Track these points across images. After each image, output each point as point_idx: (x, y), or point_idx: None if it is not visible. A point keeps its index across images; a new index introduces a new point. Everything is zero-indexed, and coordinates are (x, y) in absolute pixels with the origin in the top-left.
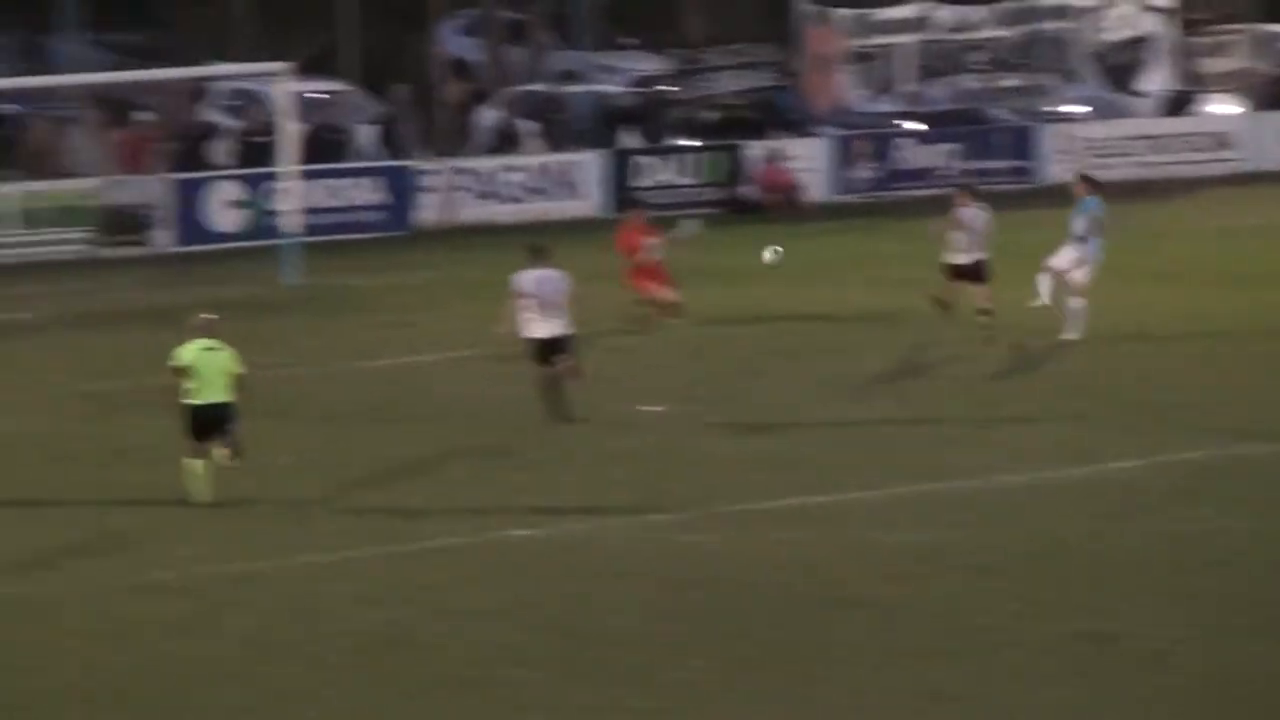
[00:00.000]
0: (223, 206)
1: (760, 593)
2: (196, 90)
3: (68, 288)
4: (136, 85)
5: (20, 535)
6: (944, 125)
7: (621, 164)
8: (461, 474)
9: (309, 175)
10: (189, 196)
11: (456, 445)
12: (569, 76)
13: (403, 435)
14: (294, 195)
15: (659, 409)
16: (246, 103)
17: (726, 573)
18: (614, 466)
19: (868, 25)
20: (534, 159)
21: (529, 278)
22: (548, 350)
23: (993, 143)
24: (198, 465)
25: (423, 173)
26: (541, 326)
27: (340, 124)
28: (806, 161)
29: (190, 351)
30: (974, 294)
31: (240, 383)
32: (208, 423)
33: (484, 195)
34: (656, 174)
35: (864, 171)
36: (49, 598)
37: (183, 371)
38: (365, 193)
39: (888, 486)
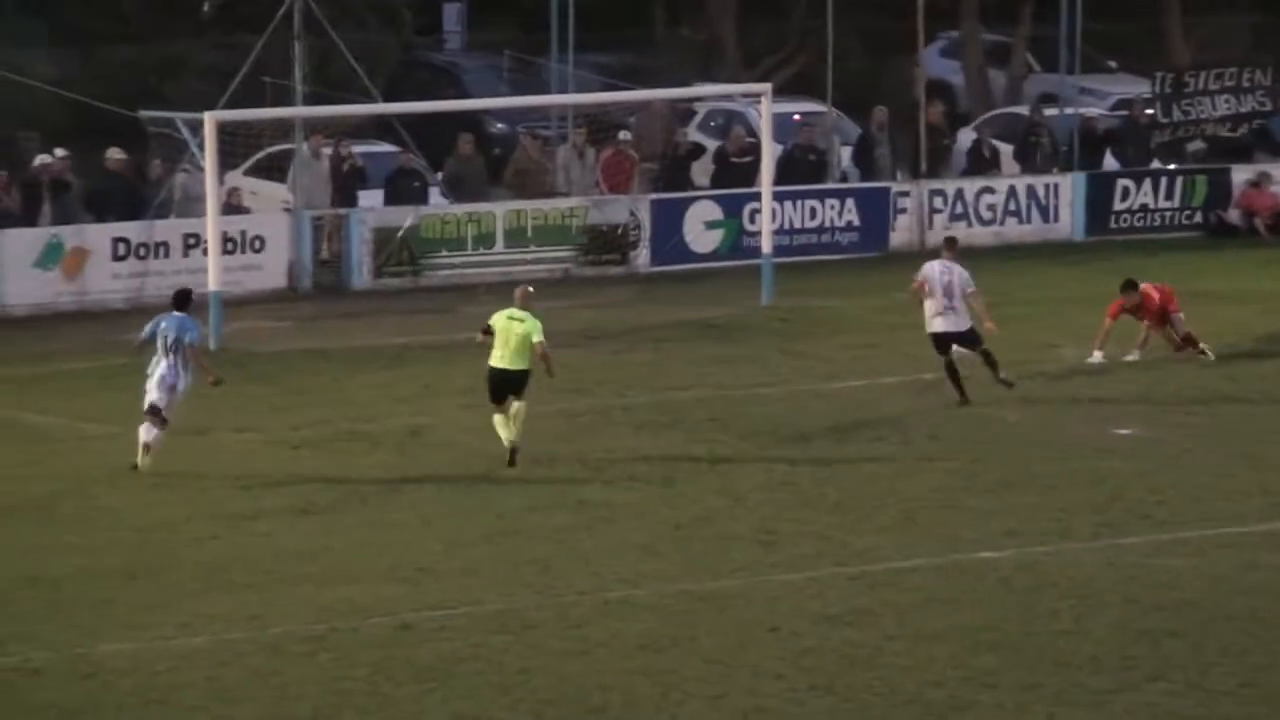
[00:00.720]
0: (702, 226)
1: (1230, 619)
2: (680, 111)
3: (547, 305)
4: (622, 105)
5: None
6: None
7: (1102, 187)
8: (924, 495)
9: (787, 196)
10: (669, 216)
11: (917, 467)
12: (1049, 99)
13: (872, 455)
14: (772, 216)
15: (1127, 432)
16: (728, 123)
17: (1195, 597)
18: (1081, 489)
19: None
20: (1009, 180)
21: (933, 266)
22: (944, 342)
23: None
24: (498, 418)
25: (899, 194)
26: (939, 320)
27: (819, 145)
28: None
29: (500, 318)
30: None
31: (539, 353)
32: (502, 384)
33: (958, 217)
34: (1137, 197)
35: None
36: (524, 614)
37: (490, 334)
38: (841, 213)
39: None
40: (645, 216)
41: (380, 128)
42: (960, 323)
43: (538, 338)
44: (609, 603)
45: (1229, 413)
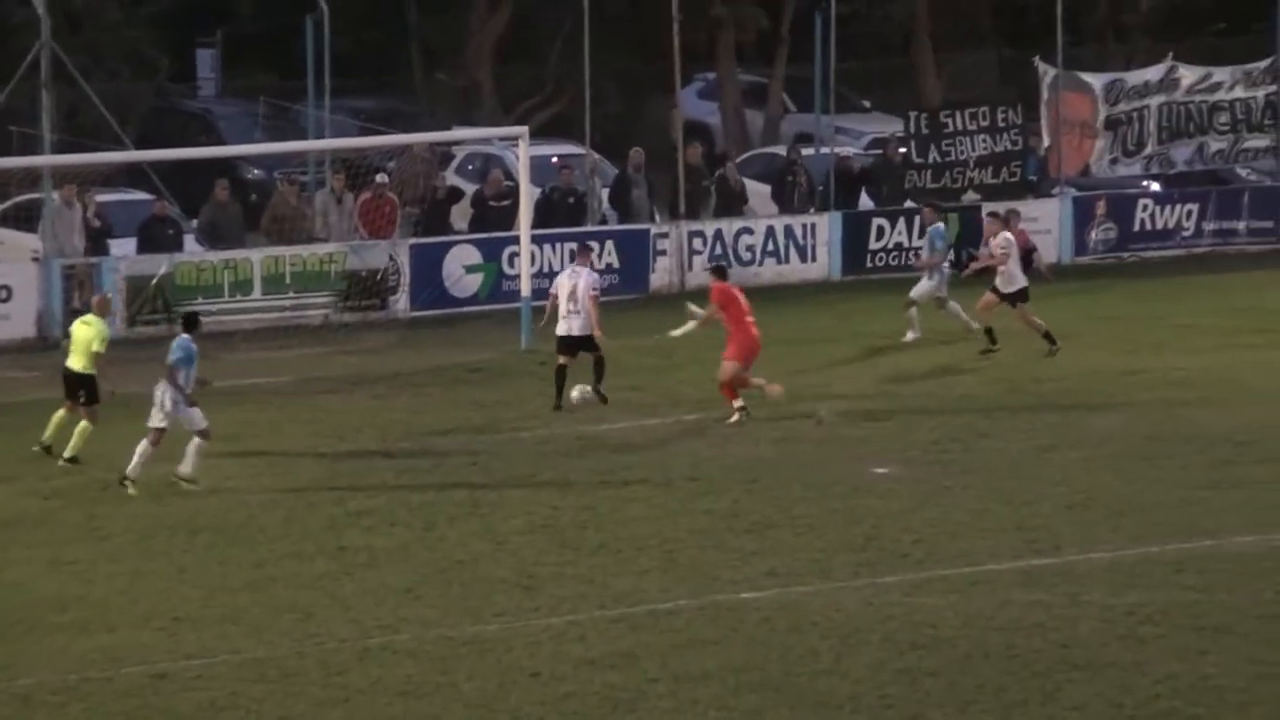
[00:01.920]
0: (461, 271)
1: (987, 656)
2: (438, 155)
3: (307, 352)
4: (380, 149)
5: (258, 597)
6: (1186, 186)
7: (857, 226)
8: (686, 536)
9: (546, 239)
10: (429, 260)
11: (679, 508)
12: (806, 139)
13: (634, 497)
14: (531, 259)
15: (884, 470)
16: (486, 166)
17: (952, 635)
18: (840, 529)
19: (1117, 90)
20: (767, 221)
21: (562, 274)
22: (568, 346)
23: (1237, 204)
24: (57, 415)
25: (658, 235)
26: (563, 324)
27: (578, 187)
28: (1045, 223)
29: (76, 322)
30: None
31: (96, 360)
32: (70, 384)
33: (715, 258)
34: (891, 236)
35: (1103, 233)
36: (284, 662)
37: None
38: (600, 256)
39: (1118, 548)
40: (405, 261)
41: (133, 175)
42: (584, 327)
43: (97, 346)
44: (370, 649)
45: (983, 449)
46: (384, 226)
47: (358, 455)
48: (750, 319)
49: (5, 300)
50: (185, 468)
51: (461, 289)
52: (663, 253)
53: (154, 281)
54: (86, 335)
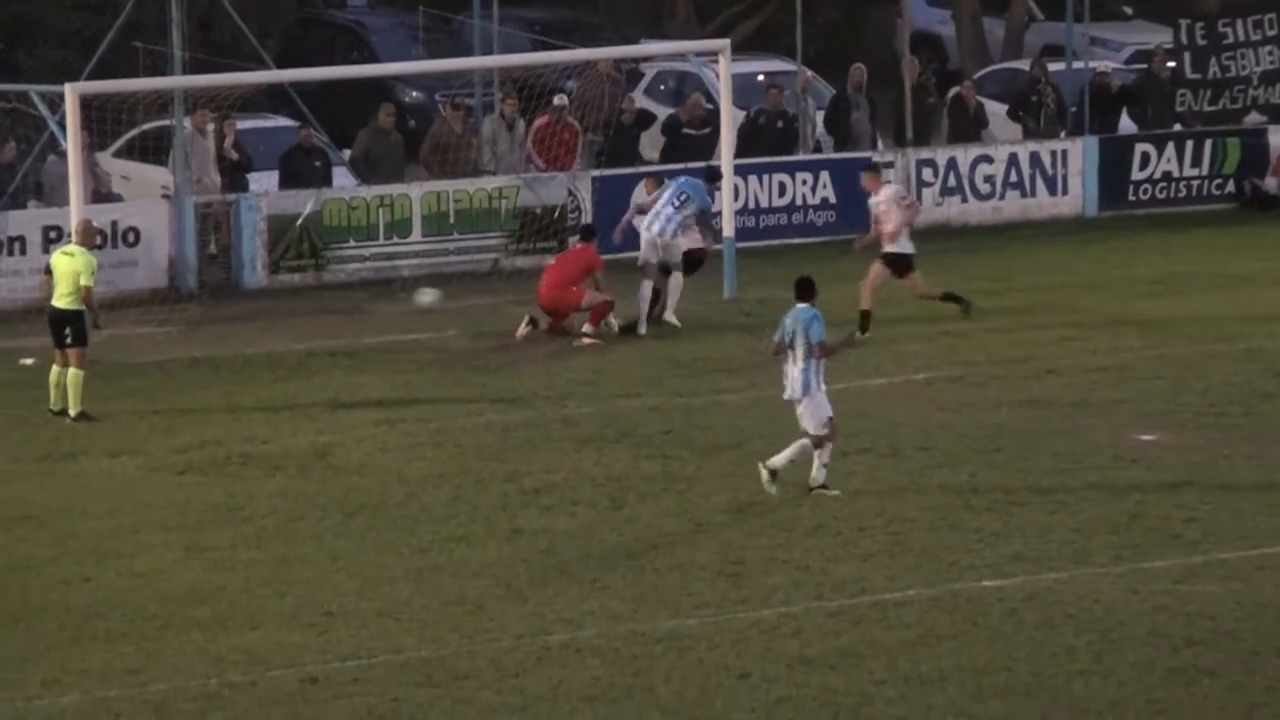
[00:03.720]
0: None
1: (1278, 652)
2: (624, 74)
3: (473, 303)
4: (557, 68)
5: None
6: None
7: (1117, 153)
8: (917, 515)
9: (752, 170)
10: (615, 196)
11: (906, 482)
12: (1055, 51)
13: (855, 470)
14: (735, 194)
15: (1151, 438)
16: (681, 87)
17: (1234, 628)
18: (1098, 505)
19: None
20: (1009, 147)
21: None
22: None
23: None
24: (55, 370)
25: (882, 166)
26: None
27: (788, 110)
28: None
29: (55, 254)
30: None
31: (85, 294)
32: (57, 325)
33: (950, 190)
34: (1157, 164)
35: None
36: (452, 663)
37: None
38: (815, 189)
39: None
40: (586, 196)
41: (275, 99)
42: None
43: (86, 279)
44: (550, 648)
45: (1269, 413)
46: (562, 157)
47: (534, 424)
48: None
49: (133, 244)
50: (818, 474)
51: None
52: (887, 184)
53: (299, 221)
54: (71, 267)
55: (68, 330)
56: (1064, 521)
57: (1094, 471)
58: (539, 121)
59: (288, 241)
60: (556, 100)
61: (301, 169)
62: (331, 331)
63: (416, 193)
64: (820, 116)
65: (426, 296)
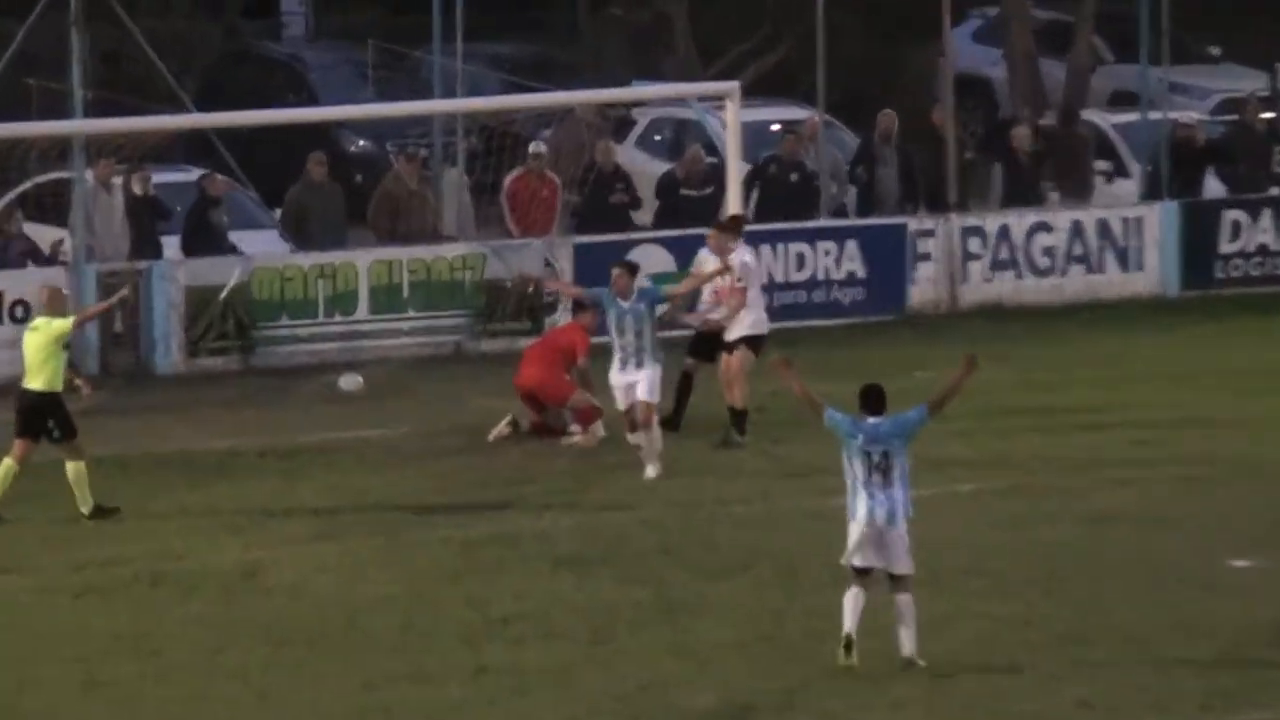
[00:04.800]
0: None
1: None
2: (611, 122)
3: (431, 393)
4: (533, 111)
5: None
6: None
7: (1203, 221)
8: (960, 648)
9: (765, 238)
10: (601, 267)
11: (949, 608)
12: (1127, 99)
13: (889, 596)
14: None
15: (1244, 563)
16: (679, 138)
17: None
18: (1180, 643)
19: None
20: (1073, 214)
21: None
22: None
23: None
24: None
25: (919, 234)
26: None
27: (805, 163)
28: None
29: (26, 334)
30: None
31: (62, 359)
32: (30, 414)
33: (1001, 264)
34: (1251, 235)
35: None
36: None
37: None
38: (840, 261)
39: None
40: (568, 266)
41: (194, 147)
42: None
43: (58, 341)
44: None
45: None
46: (540, 218)
47: (502, 539)
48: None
49: (21, 320)
50: (908, 646)
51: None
52: (925, 257)
53: (222, 295)
54: (39, 342)
55: (50, 421)
56: (1139, 663)
57: (1174, 603)
58: (513, 176)
59: (209, 318)
60: (533, 148)
61: (210, 226)
62: (261, 426)
63: (363, 261)
64: (846, 173)
65: (349, 382)
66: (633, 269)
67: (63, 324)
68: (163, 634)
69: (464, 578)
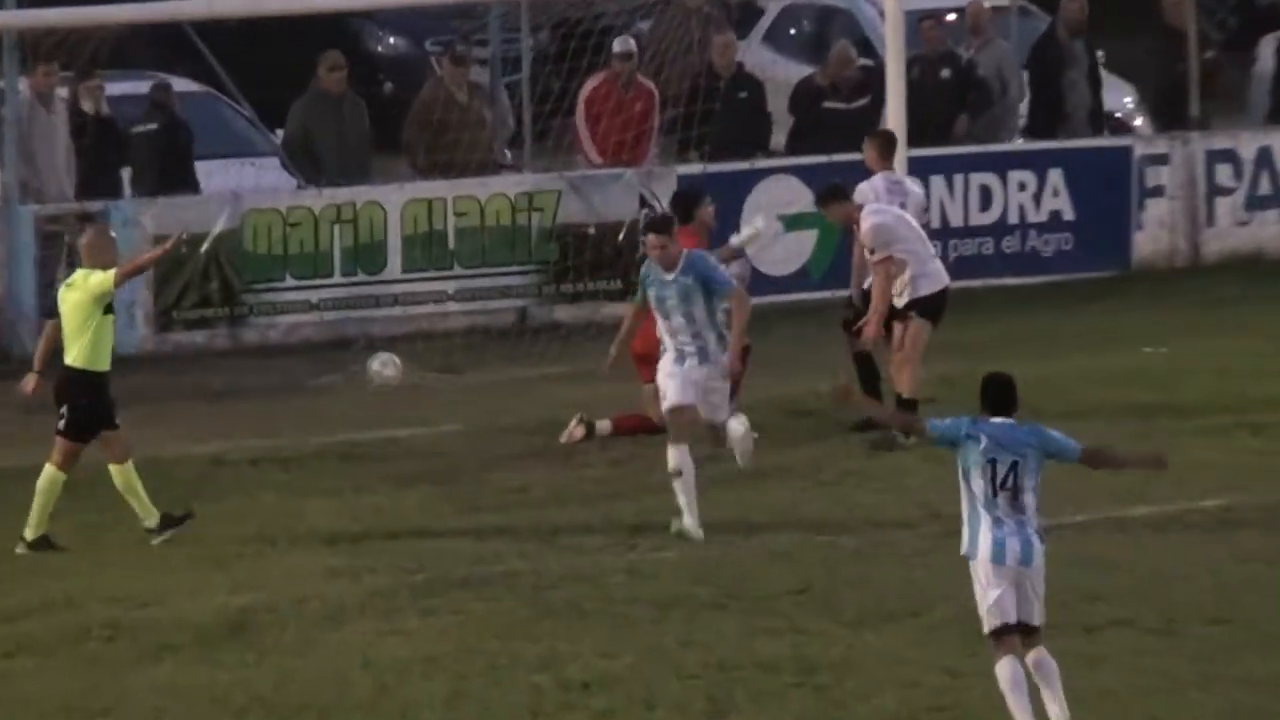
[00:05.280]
0: (776, 226)
1: None
2: (730, 10)
3: (490, 377)
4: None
5: None
6: None
7: None
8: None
9: (937, 164)
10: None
11: (1198, 673)
12: None
13: (1104, 654)
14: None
15: None
16: (821, 30)
17: None
18: None
19: None
20: None
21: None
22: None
23: None
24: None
25: (1148, 159)
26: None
27: (958, 54)
28: None
29: (61, 290)
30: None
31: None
32: (67, 389)
33: (1263, 201)
34: None
35: None
36: None
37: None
38: (1040, 198)
39: None
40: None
41: (168, 50)
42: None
43: (101, 297)
44: None
45: None
46: (630, 141)
47: (581, 576)
48: None
49: None
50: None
51: (777, 259)
52: (1156, 191)
53: (204, 246)
54: (75, 302)
55: (81, 399)
56: None
57: None
58: (592, 84)
59: (187, 278)
60: (620, 46)
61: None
62: (256, 424)
63: (395, 199)
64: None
65: (386, 369)
66: (667, 226)
67: (103, 279)
68: (124, 707)
69: (532, 628)
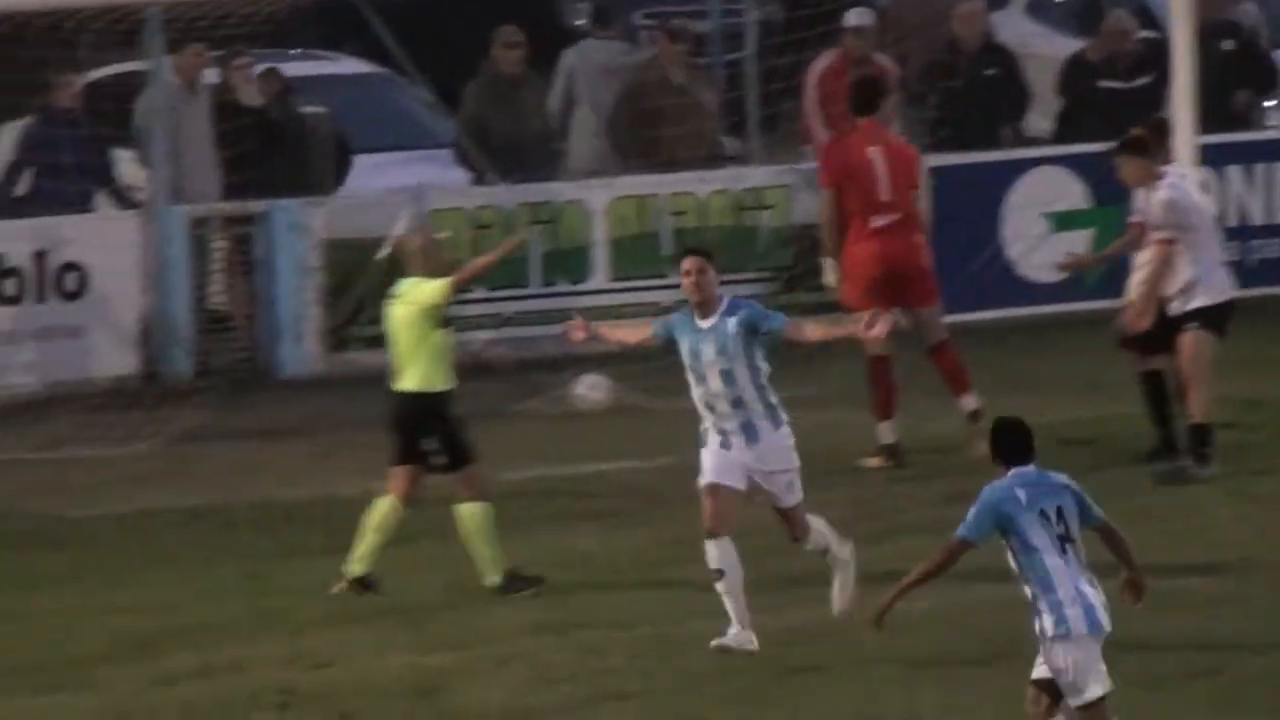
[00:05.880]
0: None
1: None
2: None
3: None
4: None
5: None
6: None
7: None
8: None
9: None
10: (972, 202)
11: None
12: None
13: None
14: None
15: None
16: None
17: None
18: None
19: None
20: None
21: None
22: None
23: None
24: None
25: None
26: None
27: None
28: None
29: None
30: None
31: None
32: (406, 423)
33: None
34: None
35: None
36: None
37: None
38: None
39: None
40: (922, 201)
41: (332, 26)
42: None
43: (436, 304)
44: None
45: None
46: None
47: (826, 630)
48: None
49: (73, 295)
50: None
51: (1040, 266)
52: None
53: (381, 253)
54: (405, 318)
55: (433, 431)
56: None
57: None
58: (822, 63)
59: (362, 292)
60: (854, 18)
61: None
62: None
63: (600, 197)
64: None
65: (594, 393)
66: (704, 261)
67: (433, 289)
68: None
69: (771, 691)
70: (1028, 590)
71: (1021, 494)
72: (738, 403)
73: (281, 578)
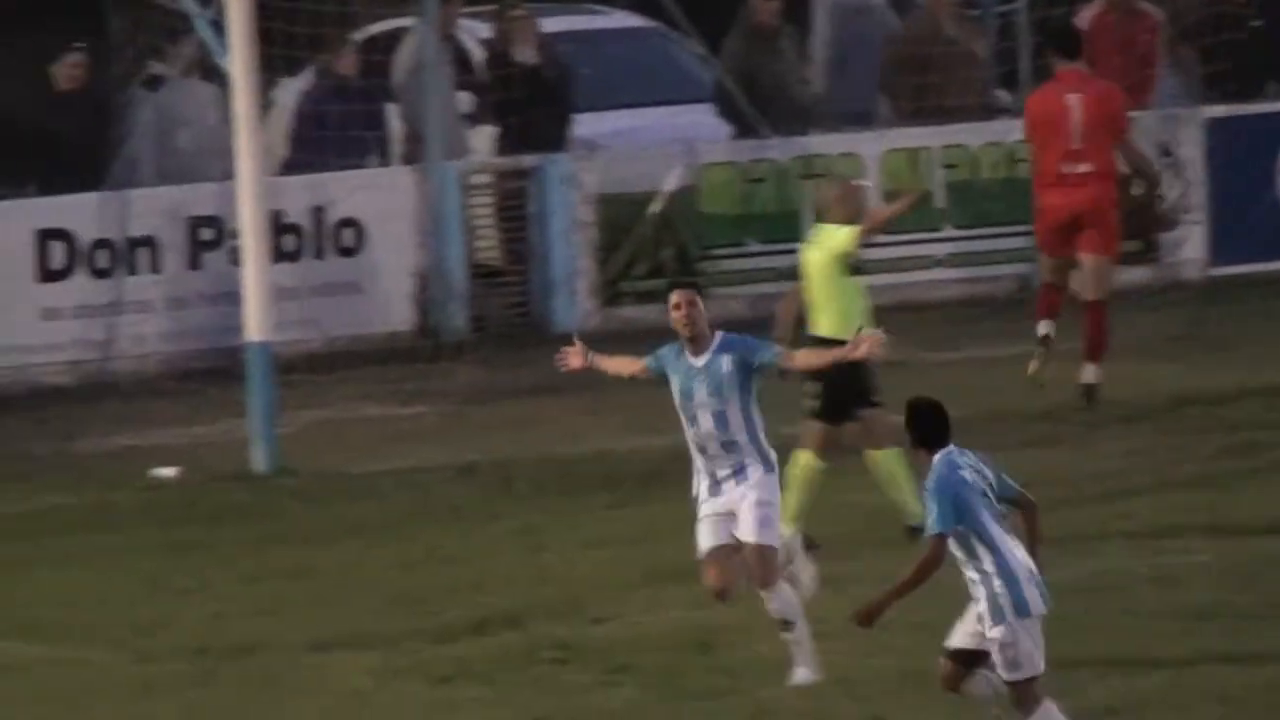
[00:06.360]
0: None
1: None
2: None
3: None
4: None
5: None
6: None
7: None
8: None
9: None
10: (1252, 159)
11: None
12: None
13: None
14: None
15: None
16: None
17: None
18: None
19: None
20: None
21: None
22: None
23: None
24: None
25: None
26: None
27: None
28: None
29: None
30: None
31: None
32: (838, 378)
33: None
34: None
35: None
36: None
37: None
38: None
39: None
40: (1196, 156)
41: None
42: None
43: (843, 251)
44: None
45: None
46: (1133, 77)
47: (1101, 584)
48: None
49: (350, 252)
50: None
51: None
52: None
53: (655, 208)
54: (819, 261)
55: (848, 377)
56: None
57: None
58: (1089, 14)
59: (635, 246)
60: None
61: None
62: None
63: (872, 149)
64: None
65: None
66: (694, 294)
67: (843, 236)
68: None
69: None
70: (975, 571)
71: (966, 474)
72: (730, 445)
73: (558, 533)
